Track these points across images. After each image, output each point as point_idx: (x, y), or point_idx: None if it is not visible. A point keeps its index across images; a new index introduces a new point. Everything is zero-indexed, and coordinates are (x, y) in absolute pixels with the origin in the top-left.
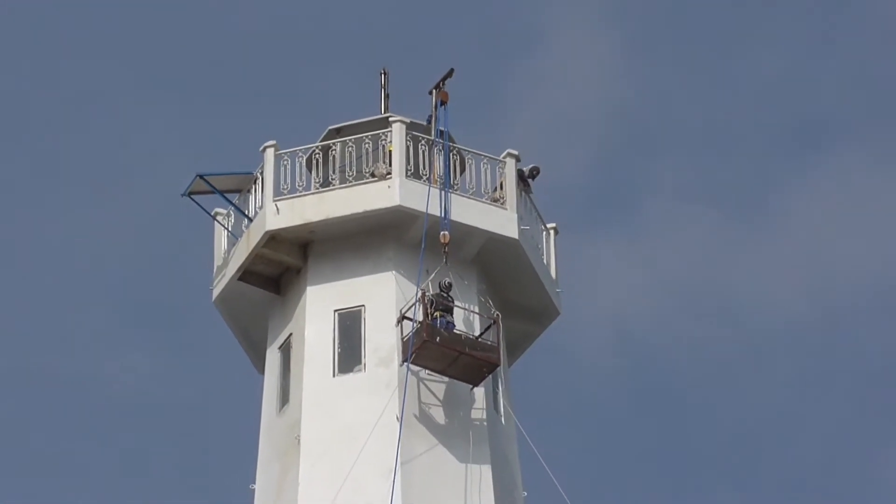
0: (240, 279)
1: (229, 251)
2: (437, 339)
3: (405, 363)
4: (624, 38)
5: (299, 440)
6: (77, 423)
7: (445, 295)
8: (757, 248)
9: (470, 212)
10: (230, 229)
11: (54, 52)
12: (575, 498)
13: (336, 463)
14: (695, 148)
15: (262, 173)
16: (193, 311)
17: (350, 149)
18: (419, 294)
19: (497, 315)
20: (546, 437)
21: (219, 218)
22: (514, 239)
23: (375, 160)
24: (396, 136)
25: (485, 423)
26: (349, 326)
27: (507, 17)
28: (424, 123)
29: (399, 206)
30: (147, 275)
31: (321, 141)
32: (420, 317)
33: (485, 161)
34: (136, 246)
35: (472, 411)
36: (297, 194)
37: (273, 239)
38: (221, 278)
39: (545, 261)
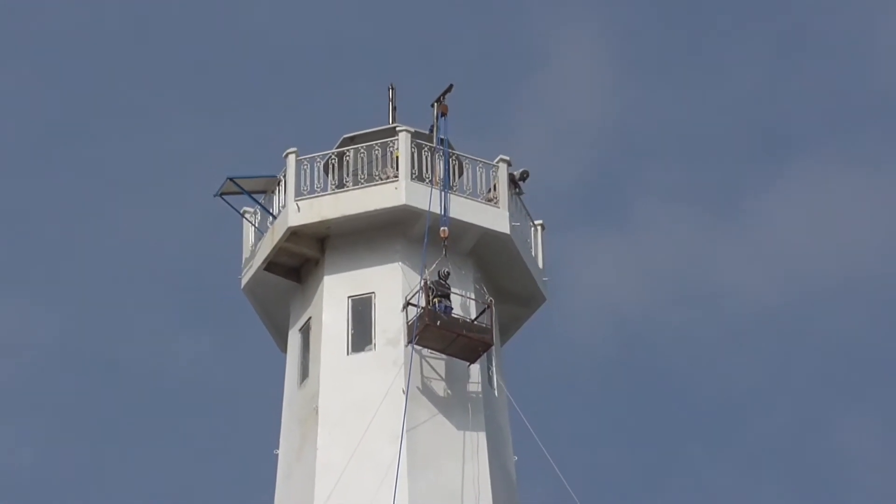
0: (265, 269)
1: (256, 245)
2: (438, 322)
3: (410, 343)
4: (617, 59)
5: (317, 411)
6: (133, 398)
7: (444, 283)
8: (733, 243)
9: (467, 210)
10: (257, 225)
11: (109, 73)
12: (559, 461)
13: (349, 430)
14: (679, 155)
15: (284, 176)
16: (225, 299)
17: (362, 155)
18: (422, 282)
19: (490, 301)
20: (534, 408)
21: (247, 216)
22: (506, 234)
23: (384, 165)
24: (402, 144)
25: (480, 396)
26: (361, 311)
27: (511, 37)
28: (427, 132)
29: (405, 205)
30: (185, 266)
31: (337, 148)
32: (423, 302)
33: (480, 165)
34: (176, 241)
35: (469, 385)
36: (316, 195)
37: (294, 234)
38: (249, 269)
39: (533, 253)
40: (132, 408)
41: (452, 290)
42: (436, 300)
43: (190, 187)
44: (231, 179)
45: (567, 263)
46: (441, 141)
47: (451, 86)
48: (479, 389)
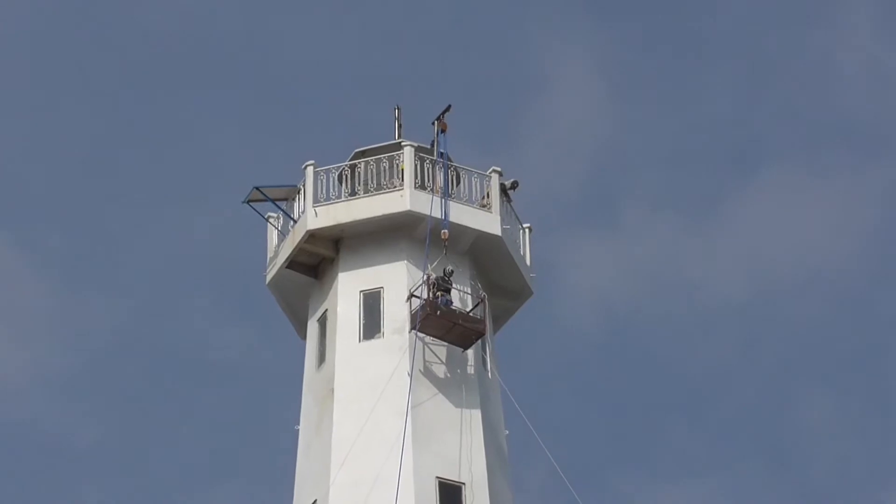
0: (287, 267)
1: (279, 246)
2: (438, 313)
3: (413, 330)
4: (608, 81)
5: (333, 391)
6: (179, 378)
7: (447, 279)
8: (709, 243)
9: (463, 215)
10: (279, 229)
11: (164, 98)
12: (543, 434)
13: (361, 407)
14: (663, 167)
15: (304, 185)
16: (252, 293)
17: (371, 167)
18: (424, 278)
19: (484, 295)
20: (522, 388)
21: (271, 220)
22: (498, 236)
23: (391, 175)
24: (407, 157)
25: (475, 378)
26: (371, 303)
27: (511, 61)
28: (429, 147)
29: (409, 210)
30: (219, 264)
31: (349, 161)
32: (425, 296)
33: (475, 176)
34: (212, 242)
35: (466, 368)
36: (331, 201)
37: (312, 236)
38: (273, 267)
39: (522, 252)
40: (178, 387)
41: (452, 285)
42: (439, 294)
43: (222, 195)
44: (257, 189)
45: (563, 262)
46: (441, 154)
47: (449, 106)
48: (474, 372)
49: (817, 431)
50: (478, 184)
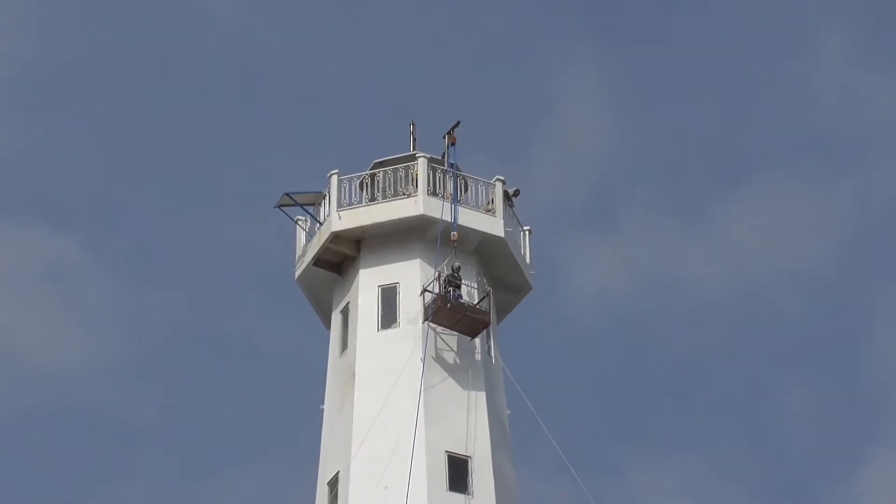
0: (314, 265)
1: (306, 245)
2: (448, 305)
3: (426, 322)
4: (611, 100)
5: (354, 375)
6: (224, 363)
7: (456, 275)
8: (698, 244)
9: (471, 219)
10: (307, 230)
11: (213, 116)
12: (541, 413)
13: (379, 390)
14: (658, 176)
15: (329, 192)
16: (282, 287)
17: (389, 175)
18: (436, 274)
19: (489, 290)
20: (524, 373)
21: (299, 222)
22: (501, 237)
23: (406, 183)
24: (421, 167)
25: (480, 363)
26: (388, 297)
27: (521, 80)
28: (440, 158)
29: (423, 214)
30: (254, 262)
31: (369, 170)
32: (437, 290)
33: (481, 184)
34: (248, 242)
35: (473, 355)
36: (353, 206)
37: (336, 237)
38: (301, 264)
39: (522, 252)
40: (224, 372)
41: (461, 281)
42: (449, 289)
43: (256, 200)
44: (287, 195)
45: (567, 260)
46: (451, 164)
47: (458, 122)
48: (480, 358)
49: (793, 413)
50: (483, 191)
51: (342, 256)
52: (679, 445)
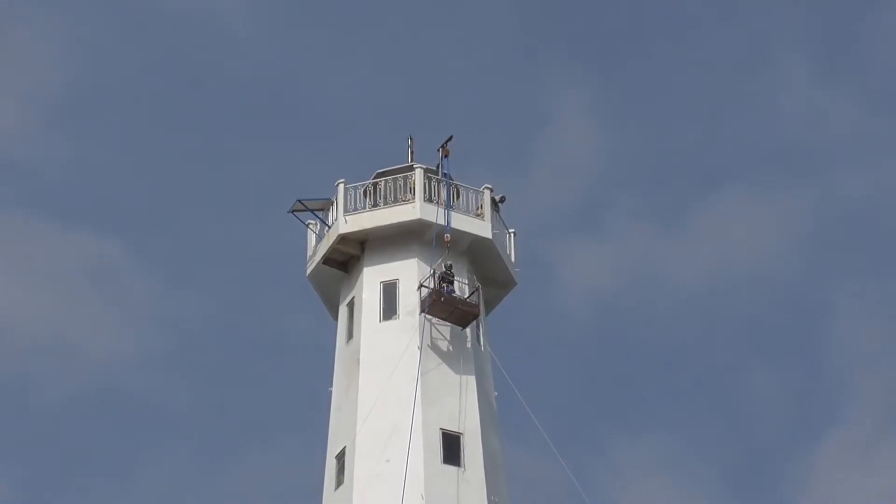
0: (323, 264)
1: (316, 246)
2: (442, 299)
3: (423, 314)
4: (597, 116)
5: (359, 361)
6: (246, 352)
7: (449, 272)
8: (675, 246)
9: (462, 222)
10: (317, 233)
11: (228, 131)
12: (526, 396)
13: (381, 374)
14: (640, 185)
15: (336, 198)
16: (294, 284)
17: (390, 184)
18: (431, 272)
19: (478, 285)
20: (510, 359)
21: (310, 226)
22: (489, 239)
23: (405, 191)
24: (418, 177)
25: (471, 351)
26: (389, 292)
27: (517, 97)
28: (435, 168)
29: (420, 219)
30: (269, 262)
31: (372, 179)
32: (432, 286)
33: (471, 191)
34: (264, 244)
35: (464, 343)
36: (358, 211)
37: (343, 239)
38: (312, 263)
39: (508, 252)
40: (249, 360)
41: (454, 278)
42: (444, 284)
43: (270, 206)
44: (299, 201)
45: (557, 259)
46: (444, 174)
47: (451, 136)
48: (471, 346)
49: (761, 395)
50: (473, 198)
51: (348, 256)
52: (658, 426)
